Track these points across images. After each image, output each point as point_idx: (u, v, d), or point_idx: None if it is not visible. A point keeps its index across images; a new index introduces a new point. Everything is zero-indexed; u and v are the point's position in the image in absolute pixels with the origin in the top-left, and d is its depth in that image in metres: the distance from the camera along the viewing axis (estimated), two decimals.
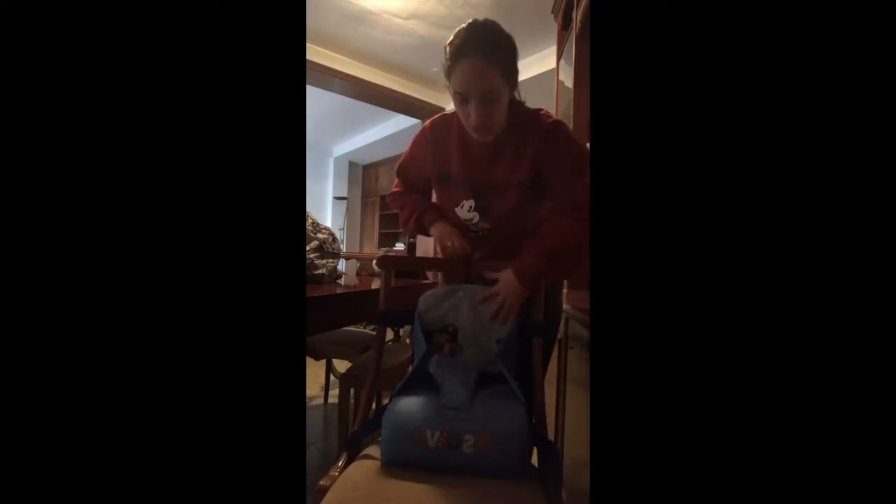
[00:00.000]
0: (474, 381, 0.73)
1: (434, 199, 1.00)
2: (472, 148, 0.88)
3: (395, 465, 0.70)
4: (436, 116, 0.93)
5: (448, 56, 0.77)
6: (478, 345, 0.82)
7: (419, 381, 0.77)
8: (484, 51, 0.74)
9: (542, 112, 0.85)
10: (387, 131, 4.37)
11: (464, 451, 0.67)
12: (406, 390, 0.75)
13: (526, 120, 0.84)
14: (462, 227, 0.95)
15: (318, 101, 3.63)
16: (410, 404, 0.72)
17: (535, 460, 0.74)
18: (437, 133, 0.91)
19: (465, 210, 0.93)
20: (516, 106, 0.85)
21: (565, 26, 1.70)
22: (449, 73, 0.77)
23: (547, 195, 0.87)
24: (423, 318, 0.86)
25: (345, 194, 5.56)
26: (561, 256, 0.80)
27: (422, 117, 3.54)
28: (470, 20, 0.76)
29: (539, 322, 0.87)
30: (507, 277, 0.82)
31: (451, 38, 0.76)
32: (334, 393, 2.01)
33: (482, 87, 0.75)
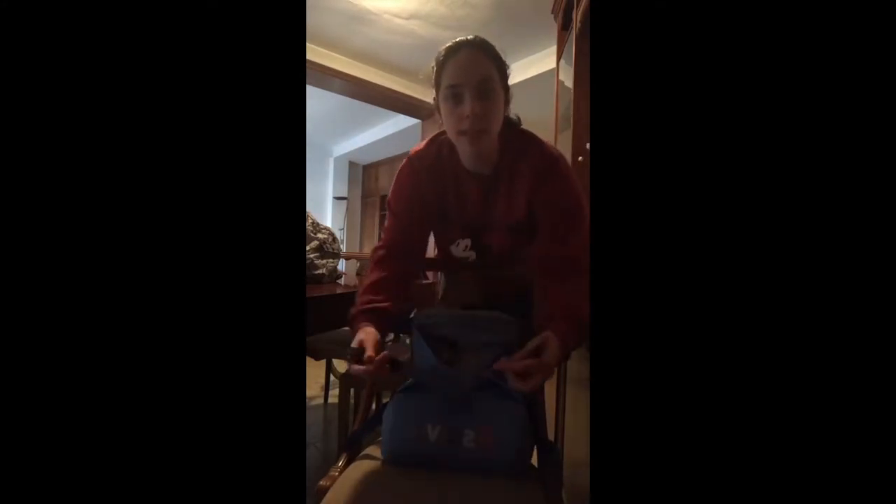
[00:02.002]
0: (470, 384, 0.73)
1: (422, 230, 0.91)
2: (466, 184, 0.82)
3: (396, 460, 0.70)
4: (419, 146, 0.84)
5: (441, 56, 0.74)
6: (477, 355, 0.82)
7: (420, 383, 0.77)
8: (479, 45, 0.73)
9: (536, 141, 0.79)
10: (387, 131, 4.37)
11: (464, 445, 0.67)
12: (407, 390, 0.76)
13: (521, 149, 0.78)
14: (455, 261, 0.92)
15: (318, 101, 3.63)
16: (411, 400, 0.72)
17: (535, 461, 0.75)
18: (424, 163, 0.83)
19: (461, 249, 0.89)
20: (511, 129, 0.80)
21: (565, 26, 1.70)
22: (440, 72, 0.73)
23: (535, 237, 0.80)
24: (423, 331, 0.86)
25: (345, 194, 5.56)
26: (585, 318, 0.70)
27: (422, 117, 3.54)
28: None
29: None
30: (552, 347, 0.65)
31: (441, 49, 0.75)
32: (334, 393, 2.00)
33: (478, 74, 0.70)
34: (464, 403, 0.70)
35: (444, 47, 0.74)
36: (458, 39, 0.73)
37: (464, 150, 0.77)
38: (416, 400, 0.72)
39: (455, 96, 0.72)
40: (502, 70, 0.74)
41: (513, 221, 0.82)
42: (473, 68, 0.71)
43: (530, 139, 0.80)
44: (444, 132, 0.82)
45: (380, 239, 0.88)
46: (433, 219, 0.87)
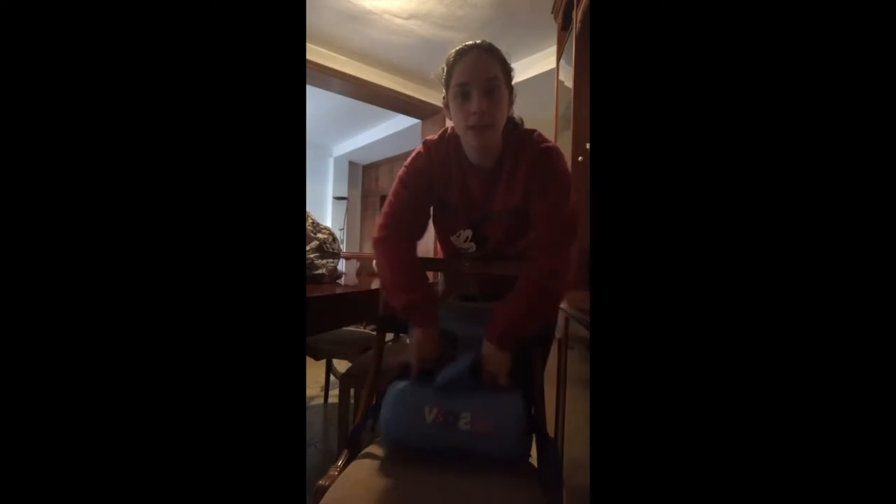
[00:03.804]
0: (473, 363, 0.74)
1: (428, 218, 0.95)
2: (470, 177, 0.87)
3: (394, 443, 0.72)
4: (433, 136, 0.90)
5: (451, 58, 0.79)
6: (476, 349, 0.83)
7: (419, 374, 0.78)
8: (487, 48, 0.79)
9: (535, 135, 0.84)
10: (387, 131, 4.36)
11: (460, 428, 0.68)
12: (404, 378, 0.77)
13: (520, 143, 0.84)
14: (455, 251, 0.96)
15: (318, 101, 3.62)
16: (409, 385, 0.74)
17: (534, 462, 0.75)
18: (438, 153, 0.87)
19: (462, 240, 0.93)
20: (513, 127, 0.86)
21: (565, 26, 1.70)
22: (450, 72, 0.79)
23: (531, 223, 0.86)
24: None
25: (345, 194, 5.55)
26: (536, 310, 0.79)
27: (422, 117, 3.54)
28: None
29: (538, 335, 0.86)
30: (487, 350, 0.77)
31: (451, 51, 0.80)
32: (334, 393, 2.00)
33: (485, 73, 0.76)
34: (462, 389, 0.71)
35: (454, 50, 0.80)
36: (467, 43, 0.79)
37: (470, 144, 0.82)
38: (415, 385, 0.74)
39: (464, 94, 0.77)
40: (507, 71, 0.80)
41: (510, 209, 0.86)
42: (481, 68, 0.77)
43: (528, 134, 0.85)
44: (447, 129, 0.88)
45: (383, 217, 0.89)
46: (430, 205, 0.92)
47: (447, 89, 0.81)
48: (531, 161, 0.82)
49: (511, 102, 0.82)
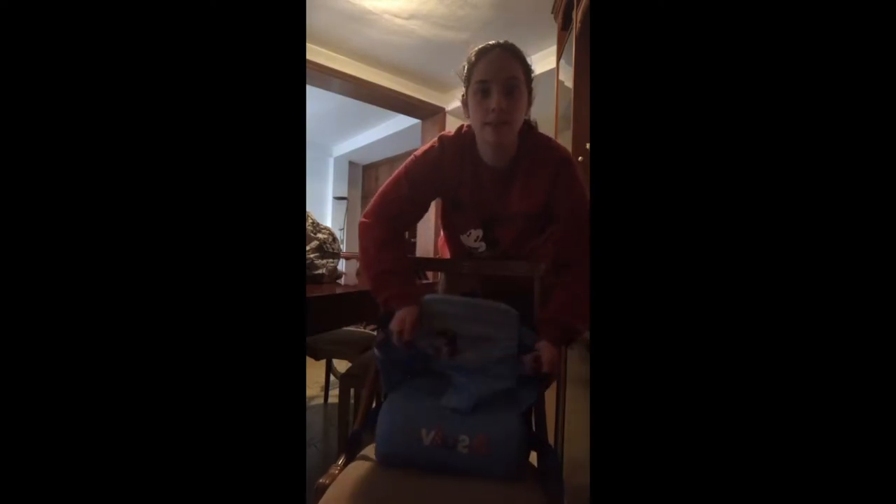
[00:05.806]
0: (479, 388, 0.74)
1: (427, 214, 0.96)
2: (483, 175, 0.87)
3: (390, 462, 0.70)
4: (449, 132, 0.89)
5: (472, 56, 0.80)
6: (475, 349, 0.83)
7: (417, 381, 0.77)
8: (509, 47, 0.79)
9: (552, 142, 0.86)
10: (387, 131, 4.36)
11: (458, 451, 0.67)
12: (402, 391, 0.76)
13: (537, 147, 0.84)
14: (464, 250, 0.96)
15: (318, 101, 3.62)
16: (407, 402, 0.73)
17: (535, 462, 0.75)
18: (452, 149, 0.87)
19: (472, 239, 0.93)
20: (528, 128, 0.86)
21: (565, 26, 1.70)
22: (471, 69, 0.79)
23: (549, 228, 0.89)
24: (423, 322, 0.86)
25: (345, 194, 5.55)
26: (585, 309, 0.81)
27: (422, 117, 3.54)
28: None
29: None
30: (546, 349, 0.77)
31: (474, 49, 0.81)
32: (334, 393, 2.00)
33: (505, 72, 0.77)
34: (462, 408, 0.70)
35: (476, 48, 0.81)
36: (490, 42, 0.80)
37: (486, 140, 0.81)
38: (412, 402, 0.72)
39: (483, 91, 0.78)
40: (527, 72, 0.80)
41: (525, 213, 0.86)
42: (502, 67, 0.77)
43: (546, 139, 0.86)
44: (463, 126, 0.88)
45: (375, 200, 0.88)
46: (428, 200, 0.91)
47: (467, 86, 0.81)
48: (552, 172, 0.82)
49: (529, 103, 0.82)
